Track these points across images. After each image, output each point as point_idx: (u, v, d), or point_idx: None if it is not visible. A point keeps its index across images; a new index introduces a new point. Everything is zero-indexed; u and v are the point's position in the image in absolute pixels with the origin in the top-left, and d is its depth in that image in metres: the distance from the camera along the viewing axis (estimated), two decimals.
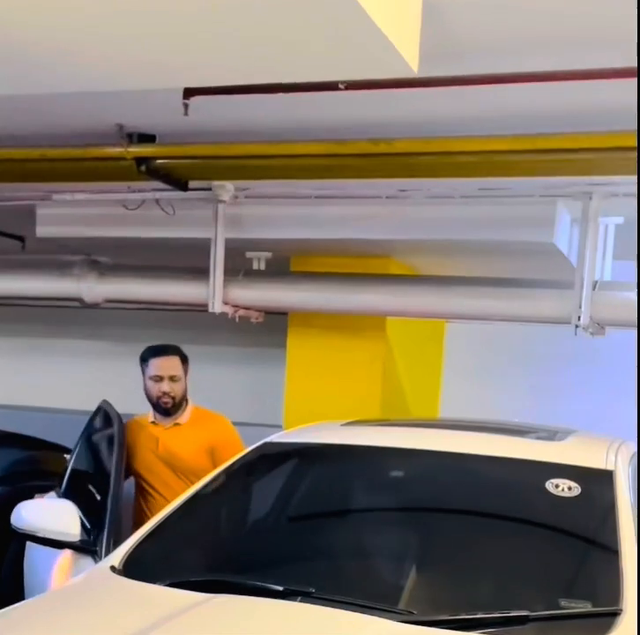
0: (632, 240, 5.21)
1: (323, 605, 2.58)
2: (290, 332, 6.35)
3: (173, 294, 5.73)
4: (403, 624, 2.49)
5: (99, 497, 3.71)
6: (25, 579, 4.05)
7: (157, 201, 5.18)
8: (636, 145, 3.27)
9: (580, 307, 5.20)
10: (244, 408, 6.99)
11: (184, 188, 4.85)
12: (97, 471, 4.05)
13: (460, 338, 7.26)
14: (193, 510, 3.36)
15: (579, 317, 5.22)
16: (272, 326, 6.39)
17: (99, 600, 2.75)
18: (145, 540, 3.12)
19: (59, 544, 3.43)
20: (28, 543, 3.97)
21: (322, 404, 6.14)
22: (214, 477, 3.55)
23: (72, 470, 4.26)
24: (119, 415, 4.09)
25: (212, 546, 3.33)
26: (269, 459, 3.76)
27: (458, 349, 7.31)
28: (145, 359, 4.53)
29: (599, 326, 5.42)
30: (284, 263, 6.15)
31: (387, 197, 5.17)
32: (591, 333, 5.44)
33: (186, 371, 4.62)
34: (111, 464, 3.76)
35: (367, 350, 6.21)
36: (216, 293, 5.44)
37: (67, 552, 3.50)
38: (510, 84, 3.35)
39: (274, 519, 3.53)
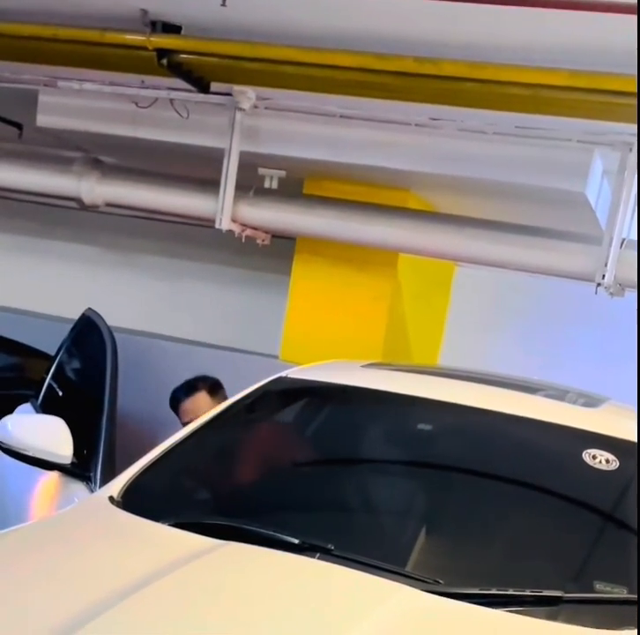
0: None
1: (342, 564, 2.37)
2: (296, 260, 6.04)
3: (178, 204, 5.39)
4: (429, 595, 2.28)
5: (87, 418, 3.42)
6: None
7: (171, 101, 4.84)
8: None
9: (606, 265, 4.91)
10: (239, 334, 6.72)
11: (205, 89, 4.53)
12: (84, 388, 3.80)
13: (467, 287, 6.97)
14: (200, 443, 3.12)
15: (603, 276, 4.94)
16: (278, 251, 6.08)
17: (99, 536, 2.53)
18: (147, 471, 2.87)
19: (48, 465, 3.15)
20: None
21: (322, 338, 5.91)
22: (224, 410, 3.27)
23: (52, 383, 3.99)
24: (109, 328, 3.79)
25: (219, 486, 3.09)
26: (283, 395, 3.48)
27: (465, 299, 7.02)
28: (174, 407, 4.43)
29: (620, 287, 5.13)
30: (297, 185, 5.81)
31: (416, 125, 4.85)
32: (611, 294, 5.15)
33: (222, 398, 4.41)
34: (104, 382, 3.47)
35: (375, 286, 5.91)
36: (225, 209, 5.12)
37: (53, 474, 3.24)
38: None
39: (287, 462, 3.29)
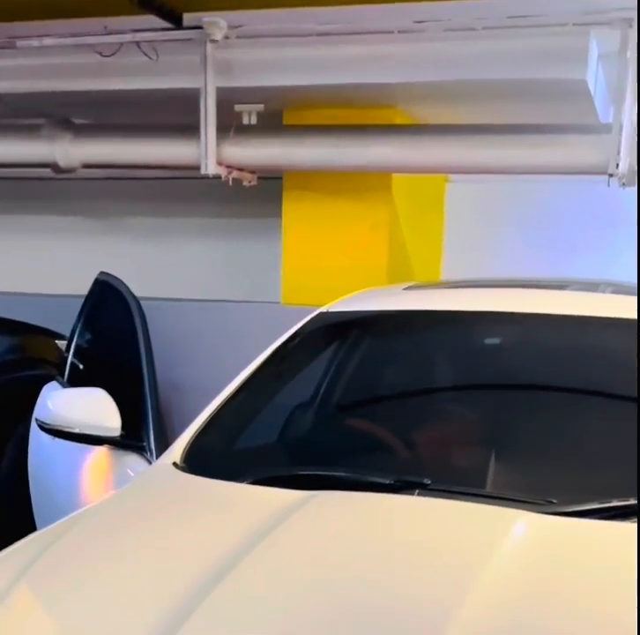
0: None
1: (445, 498, 2.23)
2: (286, 198, 5.75)
3: (159, 155, 5.07)
4: (550, 516, 2.13)
5: (126, 387, 3.15)
6: (33, 479, 3.59)
7: (138, 44, 4.50)
8: None
9: (619, 153, 4.66)
10: (238, 285, 6.51)
11: (178, 22, 4.18)
12: (115, 356, 3.54)
13: (460, 202, 6.73)
14: (255, 394, 2.95)
15: (617, 165, 4.69)
16: (266, 193, 5.84)
17: (180, 504, 2.38)
18: (206, 431, 2.73)
19: (97, 440, 2.95)
20: (36, 438, 3.49)
21: (322, 275, 5.68)
22: (271, 356, 3.06)
23: (77, 357, 3.73)
24: (128, 288, 3.53)
25: (288, 435, 2.94)
26: (328, 332, 3.28)
27: (459, 214, 6.76)
28: None
29: (632, 175, 4.89)
30: (276, 118, 5.52)
31: (399, 32, 4.53)
32: (624, 184, 4.91)
33: None
34: (138, 346, 3.23)
35: (371, 214, 5.64)
36: (208, 151, 4.82)
37: (101, 449, 3.05)
38: None
39: (357, 400, 3.13)
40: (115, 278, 3.65)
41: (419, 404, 2.97)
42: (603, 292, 3.27)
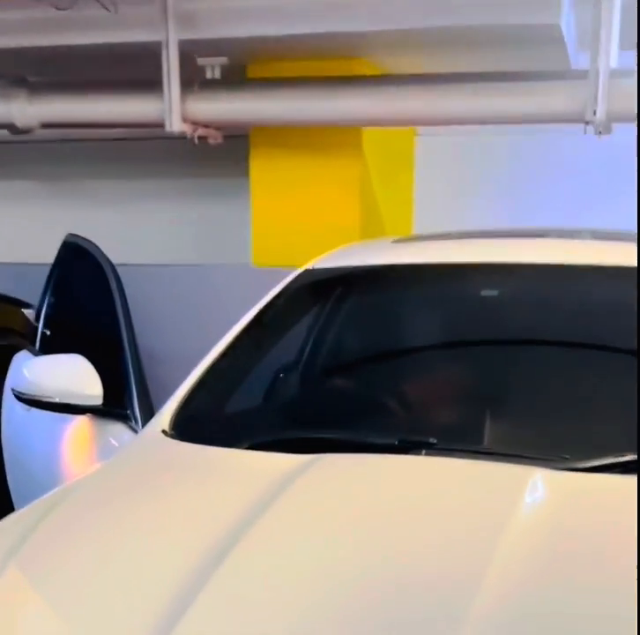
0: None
1: (455, 457, 2.14)
2: (253, 155, 5.57)
3: (121, 112, 4.86)
4: (566, 473, 2.05)
5: (105, 353, 3.00)
6: (7, 452, 3.45)
7: None
8: None
9: (596, 99, 4.54)
10: (207, 247, 6.33)
11: None
12: (92, 322, 3.36)
13: (429, 156, 6.56)
14: (243, 355, 2.83)
15: (595, 112, 4.57)
16: (232, 152, 5.63)
17: (175, 473, 2.28)
18: (190, 398, 2.60)
19: (78, 409, 2.81)
20: (8, 408, 3.35)
21: (294, 234, 5.54)
22: (256, 316, 2.93)
23: (48, 325, 3.58)
24: (102, 251, 3.32)
25: (281, 397, 2.85)
26: (315, 289, 3.14)
27: (428, 168, 6.59)
28: None
29: (608, 123, 4.77)
30: (240, 72, 5.32)
31: None
32: (600, 132, 4.80)
33: None
34: (115, 311, 3.07)
35: (342, 170, 5.47)
36: (173, 107, 4.64)
37: (81, 419, 2.92)
38: None
39: (343, 361, 3.01)
40: (85, 239, 3.47)
41: (418, 361, 2.86)
42: (596, 239, 3.19)
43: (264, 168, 5.55)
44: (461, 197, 6.46)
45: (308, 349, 3.06)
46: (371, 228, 5.75)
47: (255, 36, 4.72)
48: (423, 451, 2.18)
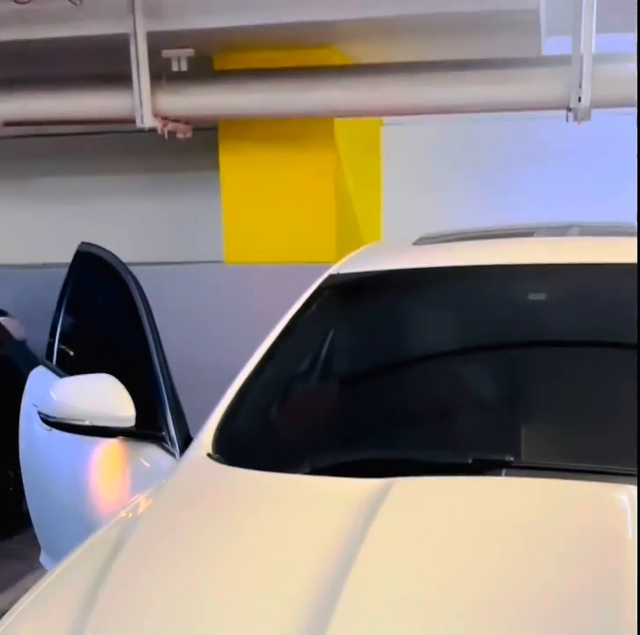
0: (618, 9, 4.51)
1: (537, 476, 2.04)
2: (222, 147, 5.38)
3: (89, 108, 4.67)
4: None
5: (132, 370, 2.81)
6: (27, 475, 3.31)
7: None
8: None
9: (580, 85, 4.44)
10: (177, 245, 6.14)
11: None
12: (116, 338, 3.15)
13: (396, 145, 6.45)
14: (274, 373, 2.68)
15: (579, 98, 4.47)
16: (202, 145, 5.47)
17: (237, 504, 2.13)
18: (230, 417, 2.48)
19: (110, 432, 2.63)
20: (27, 429, 3.21)
21: (267, 229, 5.41)
22: (284, 331, 2.77)
23: (65, 343, 3.37)
24: (119, 259, 3.10)
25: (321, 416, 2.63)
26: (345, 296, 2.99)
27: (396, 158, 6.48)
28: None
29: (587, 109, 4.66)
30: (206, 63, 5.13)
31: None
32: (581, 119, 4.70)
33: None
34: (142, 324, 2.84)
35: (316, 161, 5.31)
36: (143, 102, 4.46)
37: (112, 442, 2.73)
38: None
39: (391, 373, 2.76)
40: (101, 248, 3.24)
41: (468, 370, 2.66)
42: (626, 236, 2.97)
43: (233, 162, 5.39)
44: (429, 184, 6.36)
45: (344, 361, 2.93)
46: (346, 220, 5.62)
47: (222, 27, 4.54)
48: (503, 472, 2.08)
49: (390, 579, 1.67)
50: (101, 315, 3.32)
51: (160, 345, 2.77)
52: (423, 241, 3.22)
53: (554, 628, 1.51)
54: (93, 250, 3.27)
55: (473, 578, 1.66)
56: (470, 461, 2.09)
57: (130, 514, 2.13)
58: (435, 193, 6.25)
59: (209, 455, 2.33)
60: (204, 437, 2.40)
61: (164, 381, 2.71)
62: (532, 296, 2.77)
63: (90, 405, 2.59)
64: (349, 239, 5.47)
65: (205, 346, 5.21)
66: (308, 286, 2.97)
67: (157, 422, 2.66)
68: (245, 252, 5.40)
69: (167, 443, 2.62)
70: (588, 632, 1.49)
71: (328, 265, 3.14)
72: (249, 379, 2.60)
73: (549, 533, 1.82)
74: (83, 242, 3.38)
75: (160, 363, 2.74)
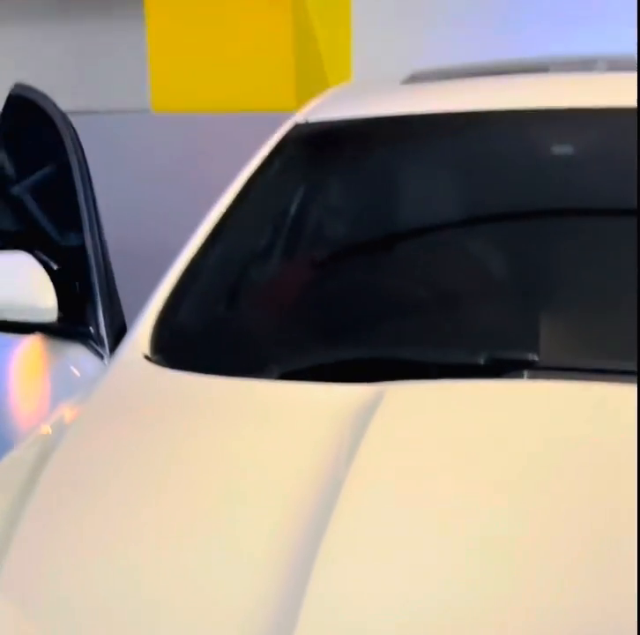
0: None
1: (566, 379, 1.83)
2: None
3: None
4: None
5: (59, 250, 2.52)
6: None
7: None
8: None
9: None
10: (86, 89, 5.37)
11: None
12: (44, 209, 2.76)
13: None
14: (226, 252, 2.38)
15: None
16: None
17: (206, 412, 1.91)
18: (171, 310, 2.22)
19: (26, 327, 2.44)
20: None
21: (205, 69, 4.81)
22: (236, 199, 2.40)
23: None
24: (56, 105, 2.64)
25: (287, 305, 2.32)
26: (314, 151, 2.64)
27: None
28: None
29: None
30: None
31: None
32: None
33: None
34: (74, 187, 2.47)
35: None
36: None
37: (32, 339, 2.54)
38: None
39: (379, 247, 2.42)
40: (34, 90, 2.79)
41: (476, 246, 2.33)
42: None
43: None
44: (411, 13, 5.57)
45: (326, 233, 2.63)
46: (308, 58, 5.04)
47: None
48: (525, 374, 1.88)
49: (385, 512, 1.53)
50: (29, 176, 2.89)
51: (96, 217, 2.45)
52: (415, 79, 2.88)
53: (581, 570, 1.37)
54: (24, 93, 2.88)
55: (491, 509, 1.51)
56: (482, 362, 1.91)
57: (51, 430, 2.01)
58: (420, 27, 5.54)
59: (147, 357, 2.13)
60: (140, 335, 2.19)
61: (97, 265, 2.43)
62: (557, 149, 2.48)
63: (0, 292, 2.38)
64: (312, 81, 4.92)
65: (136, 219, 4.63)
66: (266, 139, 2.65)
67: (85, 315, 2.43)
68: (178, 96, 4.85)
69: (95, 342, 2.42)
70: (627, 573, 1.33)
71: (287, 113, 2.78)
72: (194, 259, 2.33)
73: (586, 447, 1.66)
74: (17, 84, 2.93)
75: (93, 241, 2.44)
